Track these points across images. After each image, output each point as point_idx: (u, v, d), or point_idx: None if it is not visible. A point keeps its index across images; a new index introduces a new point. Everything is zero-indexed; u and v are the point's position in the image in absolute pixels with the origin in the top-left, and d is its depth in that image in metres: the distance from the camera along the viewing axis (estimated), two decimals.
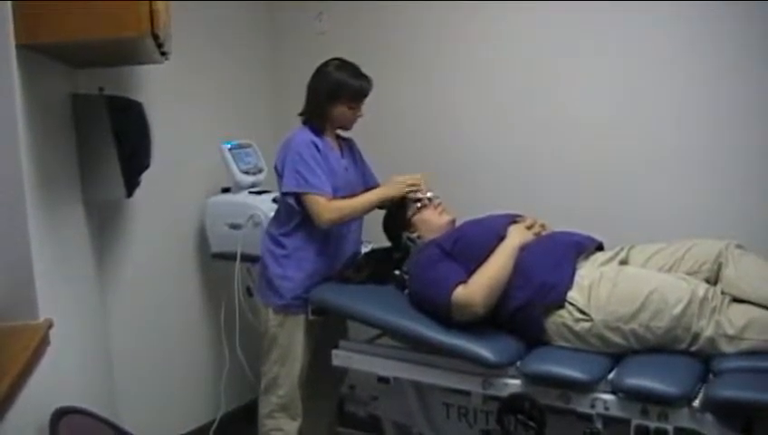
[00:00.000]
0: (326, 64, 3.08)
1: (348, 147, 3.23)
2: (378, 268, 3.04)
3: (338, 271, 3.07)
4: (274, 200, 3.30)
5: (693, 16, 3.04)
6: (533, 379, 2.43)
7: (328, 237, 3.05)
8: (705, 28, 3.03)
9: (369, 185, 3.25)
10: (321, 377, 3.19)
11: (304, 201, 2.95)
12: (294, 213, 3.00)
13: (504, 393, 2.49)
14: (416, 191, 3.04)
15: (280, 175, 3.02)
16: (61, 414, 2.02)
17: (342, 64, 3.06)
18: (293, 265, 3.04)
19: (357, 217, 3.11)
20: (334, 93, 3.02)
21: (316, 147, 2.98)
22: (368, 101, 3.08)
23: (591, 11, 3.23)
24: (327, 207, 2.93)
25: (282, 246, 3.06)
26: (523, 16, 3.43)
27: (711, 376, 2.30)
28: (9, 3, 2.04)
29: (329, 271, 3.07)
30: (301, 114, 3.11)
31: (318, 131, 3.06)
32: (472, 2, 3.53)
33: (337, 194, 3.00)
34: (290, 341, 3.06)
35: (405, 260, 2.99)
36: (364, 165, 3.30)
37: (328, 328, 3.09)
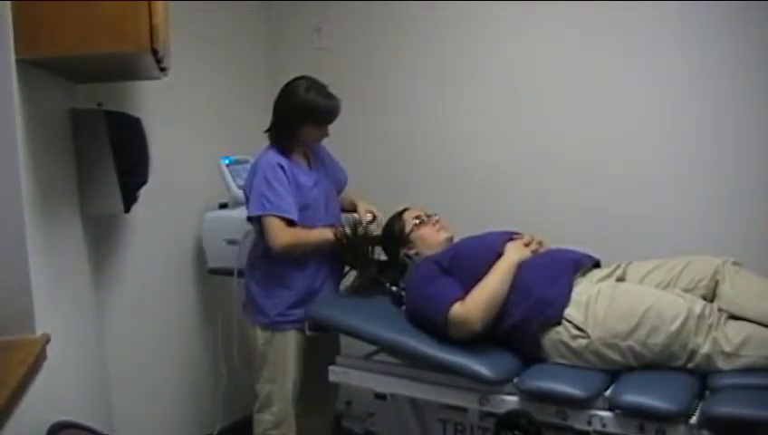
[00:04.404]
0: (294, 85, 3.03)
1: (316, 155, 3.20)
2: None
3: None
4: None
5: (696, 20, 3.06)
6: (530, 395, 2.43)
7: (306, 254, 3.04)
8: (709, 36, 3.05)
9: (341, 183, 3.29)
10: (314, 393, 3.18)
11: (263, 223, 2.93)
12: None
13: (501, 410, 2.48)
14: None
15: (248, 199, 3.02)
16: (57, 429, 2.02)
17: (311, 85, 3.01)
18: (275, 285, 3.04)
19: (309, 248, 3.05)
20: (304, 115, 2.98)
21: (282, 168, 2.96)
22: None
23: (590, 12, 3.26)
24: (284, 232, 2.91)
25: (261, 268, 3.07)
26: (525, 30, 3.45)
27: (708, 393, 2.30)
28: (9, 17, 2.05)
29: (312, 286, 3.07)
30: (267, 131, 3.09)
31: (285, 152, 3.03)
32: (474, 16, 3.55)
33: (311, 209, 3.02)
34: (279, 358, 3.05)
35: (402, 276, 2.99)
36: (333, 164, 3.29)
37: (320, 343, 3.08)
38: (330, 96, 3.01)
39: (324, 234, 3.03)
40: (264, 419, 3.09)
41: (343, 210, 3.32)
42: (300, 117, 2.99)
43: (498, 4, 3.48)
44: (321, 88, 3.01)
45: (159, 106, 3.32)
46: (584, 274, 2.75)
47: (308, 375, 3.11)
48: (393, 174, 3.76)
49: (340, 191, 3.32)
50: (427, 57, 3.74)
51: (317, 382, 3.05)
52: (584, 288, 2.61)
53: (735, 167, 3.03)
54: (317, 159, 3.19)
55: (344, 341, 3.13)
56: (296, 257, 3.01)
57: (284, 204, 2.92)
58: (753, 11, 2.92)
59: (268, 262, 3.03)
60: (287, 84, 3.06)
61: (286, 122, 3.02)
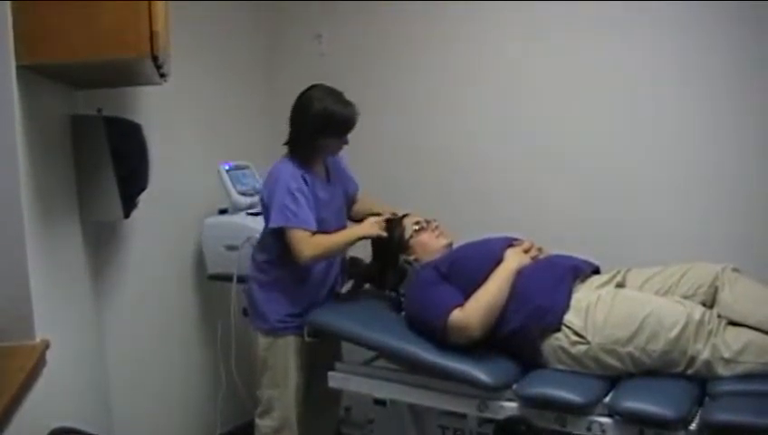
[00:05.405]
0: (309, 95, 2.97)
1: (333, 165, 3.17)
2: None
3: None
4: None
5: (696, 20, 3.06)
6: (530, 401, 2.43)
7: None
8: (712, 45, 3.05)
9: (350, 191, 3.26)
10: (321, 396, 3.16)
11: (288, 236, 2.88)
12: (280, 242, 2.95)
13: (501, 416, 2.48)
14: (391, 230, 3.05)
15: (266, 207, 2.98)
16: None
17: (327, 93, 2.95)
18: (278, 290, 3.03)
19: (338, 253, 3.07)
20: (323, 125, 2.93)
21: (304, 180, 2.93)
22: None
23: (593, 21, 3.26)
24: (309, 244, 2.87)
25: (266, 272, 3.06)
26: (529, 43, 3.44)
27: (707, 399, 2.29)
28: (10, 23, 2.06)
29: (315, 295, 3.07)
30: (286, 144, 3.04)
31: (305, 164, 2.99)
32: (475, 18, 3.55)
33: (324, 224, 2.98)
34: (280, 363, 3.05)
35: (402, 282, 2.99)
36: (344, 174, 3.26)
37: (323, 347, 3.07)
38: (347, 103, 2.95)
39: (348, 236, 3.01)
40: (264, 424, 3.08)
41: (361, 220, 3.28)
42: (318, 128, 2.93)
43: (498, 5, 3.48)
44: (337, 96, 2.95)
45: (159, 112, 3.32)
46: (583, 280, 2.74)
47: (311, 380, 3.11)
48: (392, 176, 3.75)
49: (351, 201, 3.29)
50: (430, 66, 3.74)
51: (320, 387, 3.04)
52: (584, 294, 2.61)
53: (734, 169, 3.03)
54: (334, 171, 3.17)
55: (345, 346, 3.12)
56: (303, 267, 2.98)
57: (307, 217, 2.89)
58: (751, 10, 2.92)
59: (272, 268, 3.03)
60: (302, 94, 2.99)
61: (305, 134, 2.97)
